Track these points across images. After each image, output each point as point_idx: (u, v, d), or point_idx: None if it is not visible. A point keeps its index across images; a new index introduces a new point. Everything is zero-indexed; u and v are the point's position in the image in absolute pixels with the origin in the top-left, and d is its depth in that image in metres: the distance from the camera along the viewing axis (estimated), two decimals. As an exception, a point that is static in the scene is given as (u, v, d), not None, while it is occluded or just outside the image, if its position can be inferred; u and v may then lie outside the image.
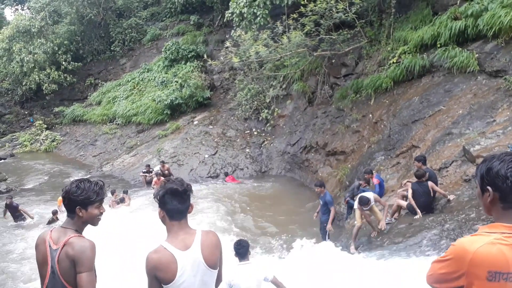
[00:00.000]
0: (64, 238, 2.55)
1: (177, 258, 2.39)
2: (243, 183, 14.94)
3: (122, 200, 12.81)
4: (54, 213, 12.05)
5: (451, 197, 7.64)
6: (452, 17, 11.56)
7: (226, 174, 15.41)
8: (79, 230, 2.64)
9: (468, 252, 1.65)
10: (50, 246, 2.57)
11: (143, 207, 12.55)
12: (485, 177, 1.77)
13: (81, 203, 2.60)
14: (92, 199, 2.63)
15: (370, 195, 7.74)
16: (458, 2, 11.74)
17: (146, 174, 15.68)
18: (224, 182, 15.03)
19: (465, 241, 1.71)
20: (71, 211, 2.64)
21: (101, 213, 2.71)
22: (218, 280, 2.67)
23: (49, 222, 11.92)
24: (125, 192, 13.36)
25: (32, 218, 12.44)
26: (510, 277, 1.62)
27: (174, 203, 2.46)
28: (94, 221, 2.70)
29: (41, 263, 2.60)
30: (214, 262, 2.53)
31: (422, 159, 8.20)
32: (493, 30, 10.22)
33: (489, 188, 1.74)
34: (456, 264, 1.70)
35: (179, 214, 2.49)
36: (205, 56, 21.29)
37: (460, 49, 11.05)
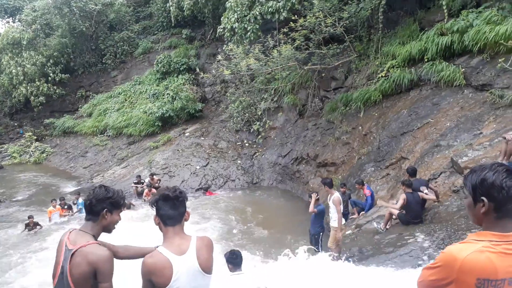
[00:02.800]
0: (81, 241, 2.58)
1: (172, 262, 2.42)
2: (228, 195, 14.98)
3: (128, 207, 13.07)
4: (30, 217, 12.13)
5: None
6: (439, 32, 11.92)
7: (206, 189, 15.40)
8: (96, 235, 2.68)
9: (457, 259, 1.68)
10: (66, 245, 2.61)
11: (137, 216, 12.50)
12: (479, 188, 1.78)
13: (110, 206, 2.68)
14: (120, 203, 2.73)
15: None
16: (446, 18, 12.09)
17: (137, 185, 15.62)
18: (206, 195, 15.01)
19: (454, 249, 1.74)
20: (95, 215, 2.68)
21: (118, 221, 2.78)
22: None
23: (26, 227, 12.04)
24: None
25: None
26: (499, 285, 1.67)
27: (166, 209, 2.51)
28: (112, 227, 2.77)
29: (56, 263, 2.64)
30: (209, 267, 2.57)
31: (410, 172, 8.40)
32: (478, 45, 10.56)
33: (484, 198, 1.75)
34: (445, 271, 1.73)
35: (172, 220, 2.53)
36: (197, 69, 21.49)
37: (446, 63, 11.38)
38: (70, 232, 2.69)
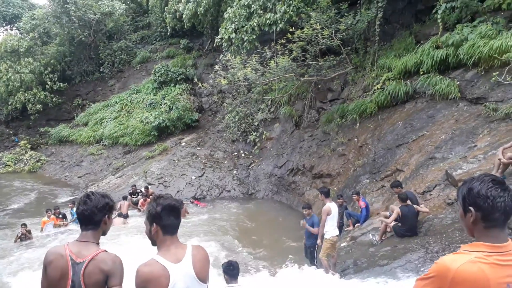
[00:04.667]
0: (88, 252, 2.58)
1: (169, 270, 2.41)
2: (223, 205, 14.91)
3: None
4: (23, 225, 11.94)
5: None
6: (434, 46, 12.03)
7: (194, 198, 15.31)
8: (98, 244, 2.69)
9: (450, 270, 1.70)
10: (72, 259, 2.56)
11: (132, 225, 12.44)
12: (466, 198, 1.82)
13: (109, 211, 2.73)
14: (114, 208, 2.78)
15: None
16: (440, 32, 12.22)
17: (132, 196, 15.46)
18: (195, 205, 14.89)
19: (447, 259, 1.76)
20: (96, 223, 2.68)
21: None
22: None
23: (18, 236, 11.80)
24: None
25: None
26: None
27: (171, 218, 2.51)
28: (108, 229, 2.80)
29: (58, 279, 2.56)
30: (204, 276, 2.57)
31: (398, 184, 8.40)
32: (473, 59, 10.66)
33: (471, 208, 1.79)
34: (438, 282, 1.74)
35: (174, 229, 2.55)
36: (194, 79, 21.55)
37: (441, 76, 11.47)
38: (68, 244, 2.64)
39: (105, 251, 2.64)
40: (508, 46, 9.80)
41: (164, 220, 2.50)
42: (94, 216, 2.66)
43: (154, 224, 2.51)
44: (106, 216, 2.71)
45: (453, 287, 1.70)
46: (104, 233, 2.78)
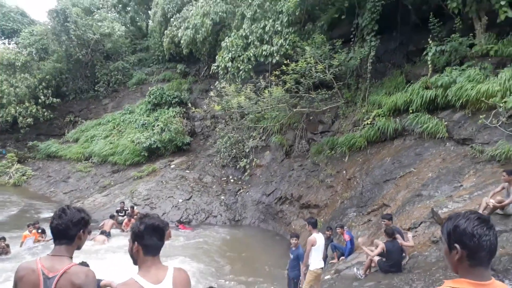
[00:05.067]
0: (60, 266, 2.55)
1: None
2: (208, 231, 14.75)
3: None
4: (1, 239, 11.70)
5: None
6: (424, 86, 12.40)
7: (180, 222, 15.18)
8: (71, 258, 2.66)
9: None
10: (44, 274, 2.54)
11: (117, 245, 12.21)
12: (452, 235, 1.79)
13: (85, 226, 2.70)
14: (90, 222, 2.76)
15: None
16: (429, 73, 12.62)
17: (119, 214, 15.29)
18: (179, 229, 14.70)
19: None
20: (70, 238, 2.65)
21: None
22: None
23: None
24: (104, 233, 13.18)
25: None
26: None
27: (154, 239, 2.47)
28: (82, 244, 2.78)
29: None
30: None
31: (389, 217, 8.46)
32: (460, 101, 10.99)
33: (457, 245, 1.76)
34: None
35: (156, 250, 2.50)
36: (188, 103, 21.75)
37: (430, 116, 11.77)
38: (39, 259, 2.61)
39: (78, 264, 2.63)
40: (494, 91, 10.15)
41: (146, 239, 2.45)
42: (69, 230, 2.62)
43: (136, 242, 2.47)
44: (81, 230, 2.68)
45: None
46: (78, 248, 2.75)
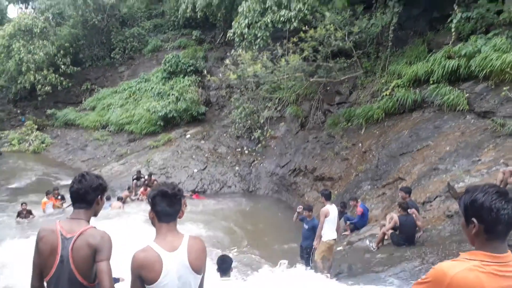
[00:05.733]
0: (78, 228, 2.64)
1: (163, 258, 2.43)
2: (223, 200, 14.93)
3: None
4: (23, 204, 12.18)
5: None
6: (446, 56, 11.92)
7: (194, 192, 15.34)
8: (89, 222, 2.75)
9: (446, 275, 1.71)
10: (62, 235, 2.64)
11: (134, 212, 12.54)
12: (469, 209, 1.79)
13: (102, 192, 2.80)
14: (107, 188, 2.85)
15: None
16: (453, 41, 12.11)
17: (138, 181, 15.60)
18: (192, 198, 14.88)
19: (445, 266, 1.76)
20: (89, 203, 2.76)
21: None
22: (201, 287, 2.69)
23: (18, 215, 12.03)
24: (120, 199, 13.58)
25: None
26: None
27: (163, 205, 2.50)
28: (99, 210, 2.88)
29: (48, 254, 2.64)
30: (199, 267, 2.56)
31: (408, 191, 8.32)
32: (484, 71, 10.56)
33: (474, 220, 1.76)
34: (434, 286, 1.75)
35: (167, 217, 2.53)
36: (204, 71, 21.51)
37: (451, 87, 11.37)
38: (59, 222, 2.71)
39: (94, 227, 2.70)
40: (521, 62, 9.71)
41: (157, 206, 2.51)
42: (88, 195, 2.72)
43: (151, 209, 2.56)
44: (99, 196, 2.78)
45: None
46: (95, 214, 2.85)
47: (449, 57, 11.86)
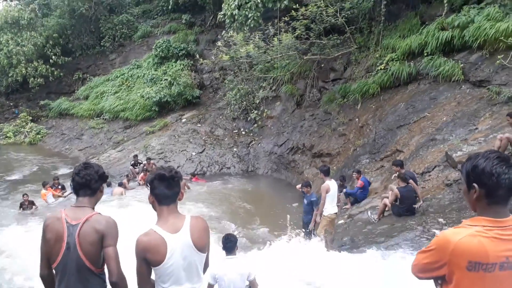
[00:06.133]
0: (83, 215, 2.69)
1: (166, 240, 2.47)
2: (222, 182, 15.02)
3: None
4: (25, 195, 12.18)
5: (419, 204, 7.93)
6: (440, 27, 11.90)
7: (193, 175, 15.38)
8: (93, 209, 2.81)
9: (450, 242, 1.75)
10: (67, 222, 2.68)
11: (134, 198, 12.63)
12: (471, 175, 1.83)
13: (105, 180, 2.89)
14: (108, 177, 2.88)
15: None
16: (444, 13, 12.08)
17: (135, 167, 15.62)
18: (192, 182, 14.90)
19: (448, 233, 1.80)
20: (94, 190, 2.81)
21: None
22: (206, 265, 2.77)
23: (21, 206, 12.06)
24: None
25: None
26: (489, 268, 1.73)
27: (161, 188, 2.54)
28: (99, 199, 2.93)
29: (54, 242, 2.68)
30: (202, 245, 2.61)
31: (400, 163, 8.46)
32: (478, 41, 10.57)
33: (475, 185, 1.80)
34: (438, 254, 1.80)
35: (167, 199, 2.57)
36: (196, 55, 21.33)
37: (446, 58, 11.39)
38: (64, 210, 2.75)
39: (99, 213, 2.75)
40: (514, 29, 9.72)
41: (156, 189, 2.55)
42: (93, 183, 2.79)
43: (150, 193, 2.59)
44: (102, 185, 2.87)
45: (453, 260, 1.75)
46: (98, 201, 2.93)
47: (443, 29, 11.84)
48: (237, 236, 5.35)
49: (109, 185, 13.18)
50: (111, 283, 2.63)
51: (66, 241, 2.64)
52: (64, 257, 2.66)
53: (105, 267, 2.75)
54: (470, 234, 1.74)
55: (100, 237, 2.63)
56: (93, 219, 2.67)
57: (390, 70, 12.75)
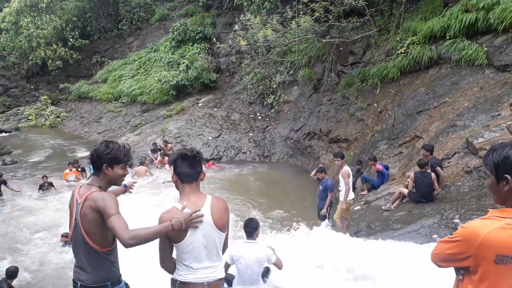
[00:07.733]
0: (87, 193, 2.71)
1: None
2: (238, 167, 15.06)
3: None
4: (44, 177, 12.53)
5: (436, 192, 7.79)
6: (463, 9, 11.49)
7: (207, 160, 15.30)
8: (103, 188, 2.79)
9: (478, 235, 1.67)
10: (76, 199, 2.74)
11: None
12: (501, 166, 1.74)
13: (109, 161, 2.76)
14: (120, 159, 2.80)
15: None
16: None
17: (155, 153, 15.81)
18: (206, 168, 14.83)
19: (476, 225, 1.73)
20: (97, 169, 2.81)
21: (125, 174, 2.89)
22: (225, 245, 2.81)
23: (40, 187, 12.34)
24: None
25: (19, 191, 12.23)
26: None
27: (184, 166, 2.62)
28: (118, 181, 2.89)
29: (70, 216, 2.81)
30: (222, 225, 2.68)
31: (430, 149, 8.22)
32: (503, 24, 10.19)
33: (507, 176, 1.72)
34: (465, 246, 1.73)
35: (189, 178, 2.64)
36: (213, 38, 21.21)
37: (469, 42, 11.02)
38: (80, 186, 2.82)
39: (99, 190, 2.72)
40: (543, 11, 9.33)
41: (179, 168, 2.63)
42: (94, 162, 2.81)
43: (173, 172, 2.68)
44: (105, 165, 2.75)
45: (480, 253, 1.69)
46: (113, 183, 2.88)
47: (466, 11, 11.43)
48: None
49: (130, 166, 13.39)
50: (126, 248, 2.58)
51: (75, 217, 2.71)
52: (74, 234, 2.74)
53: (113, 247, 2.78)
54: (500, 227, 1.67)
55: (99, 214, 2.60)
56: (90, 197, 2.64)
57: (410, 54, 12.44)
